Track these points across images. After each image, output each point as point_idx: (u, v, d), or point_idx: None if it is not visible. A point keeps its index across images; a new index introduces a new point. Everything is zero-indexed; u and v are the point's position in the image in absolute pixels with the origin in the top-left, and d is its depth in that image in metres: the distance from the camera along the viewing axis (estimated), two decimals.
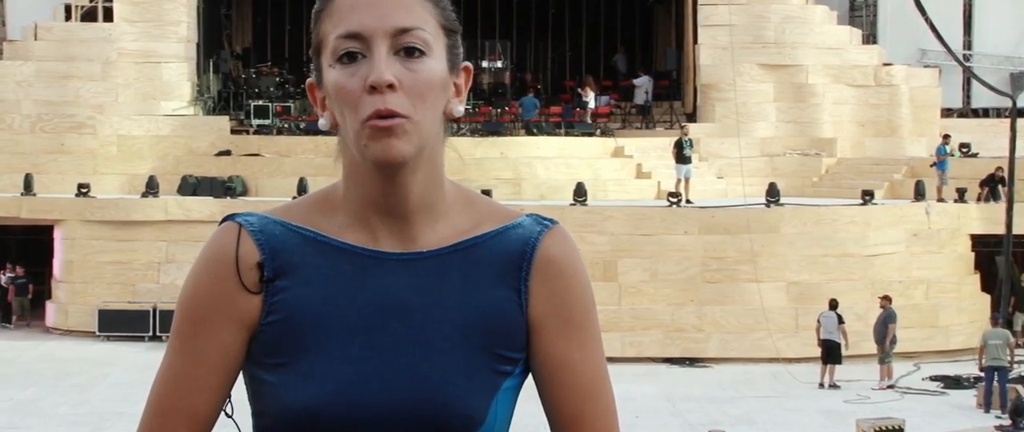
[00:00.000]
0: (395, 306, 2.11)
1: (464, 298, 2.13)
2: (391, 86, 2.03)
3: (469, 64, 2.20)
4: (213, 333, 2.13)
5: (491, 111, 36.94)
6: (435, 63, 2.08)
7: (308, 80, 2.19)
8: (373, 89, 2.02)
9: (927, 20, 33.25)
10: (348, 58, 2.05)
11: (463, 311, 2.12)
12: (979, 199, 31.70)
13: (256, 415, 2.17)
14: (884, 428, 20.73)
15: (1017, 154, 30.40)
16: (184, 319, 2.16)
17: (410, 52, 2.06)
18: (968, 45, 39.27)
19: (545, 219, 2.20)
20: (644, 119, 38.01)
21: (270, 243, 2.14)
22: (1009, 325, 27.88)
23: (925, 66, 37.70)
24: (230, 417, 2.20)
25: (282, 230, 2.15)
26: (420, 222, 2.14)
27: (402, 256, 2.13)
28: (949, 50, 32.89)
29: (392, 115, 2.03)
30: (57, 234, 31.12)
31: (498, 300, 2.14)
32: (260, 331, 2.13)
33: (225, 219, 2.21)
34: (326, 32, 2.09)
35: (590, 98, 36.83)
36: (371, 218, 2.13)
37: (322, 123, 2.16)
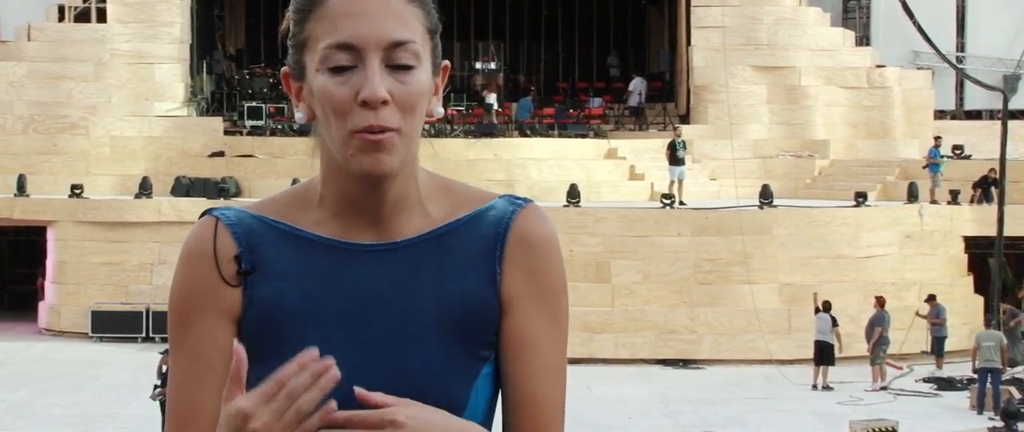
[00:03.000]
0: (373, 299, 2.12)
1: (441, 286, 2.13)
2: (384, 101, 2.03)
3: (447, 62, 2.20)
4: (202, 328, 2.14)
5: (484, 112, 36.94)
6: (423, 74, 2.08)
7: (283, 69, 2.17)
8: (366, 104, 2.02)
9: (915, 22, 33.27)
10: (338, 67, 2.05)
11: (440, 299, 2.13)
12: (972, 201, 31.72)
13: None
14: (877, 430, 20.76)
15: (1009, 156, 30.45)
16: (175, 319, 2.17)
17: (401, 65, 2.05)
18: (961, 47, 39.35)
19: (519, 198, 2.21)
20: (637, 120, 38.03)
21: (247, 236, 2.15)
22: (1010, 333, 27.88)
23: (918, 68, 37.75)
24: None
25: (259, 224, 2.16)
26: (395, 215, 2.14)
27: (377, 247, 2.14)
28: (938, 51, 32.89)
29: (384, 130, 2.03)
30: (50, 235, 31.08)
31: (474, 285, 2.14)
32: (242, 325, 2.14)
33: (203, 214, 2.21)
34: (315, 35, 2.07)
35: (493, 99, 36.73)
36: (347, 213, 2.14)
37: (299, 116, 2.15)
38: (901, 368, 26.69)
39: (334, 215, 2.15)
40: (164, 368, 19.92)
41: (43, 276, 32.00)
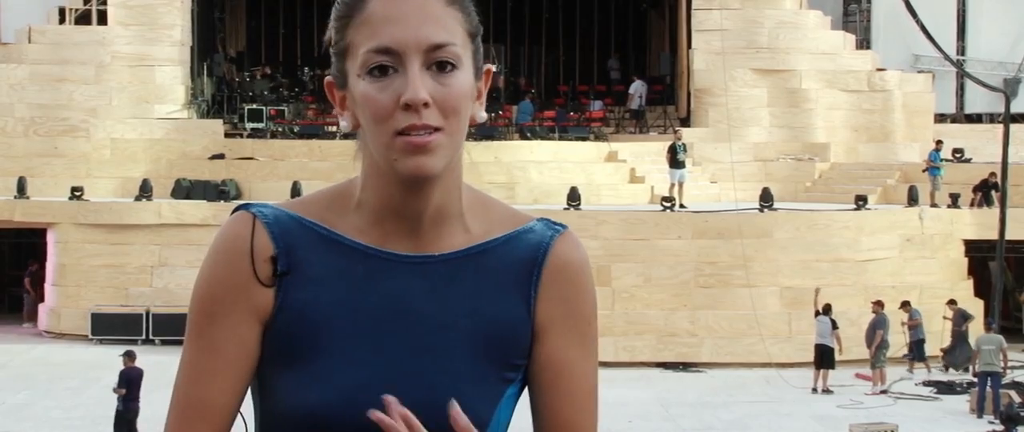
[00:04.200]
0: (405, 310, 2.11)
1: (474, 304, 2.13)
2: (426, 103, 2.02)
3: (490, 66, 2.20)
4: (229, 325, 2.12)
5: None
6: (464, 75, 2.08)
7: (327, 78, 2.17)
8: (408, 106, 2.02)
9: (918, 21, 33.24)
10: (379, 71, 2.04)
11: (473, 317, 2.12)
12: (972, 204, 31.70)
13: (261, 412, 2.16)
14: None
15: (1010, 159, 30.42)
16: (199, 312, 2.14)
17: (442, 66, 2.05)
18: (962, 51, 39.33)
19: (556, 224, 2.21)
20: (638, 123, 38.03)
21: (284, 237, 2.13)
22: (960, 336, 27.98)
23: (918, 71, 37.75)
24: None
25: (296, 225, 2.14)
26: (435, 226, 2.14)
27: (414, 259, 2.13)
28: (940, 50, 32.86)
29: (428, 130, 2.03)
30: (50, 237, 31.08)
31: (508, 306, 2.14)
32: (271, 327, 2.12)
33: (237, 208, 2.18)
34: (356, 41, 2.07)
35: None
36: (386, 221, 2.13)
37: (344, 124, 2.14)
38: (872, 378, 26.66)
39: (373, 222, 2.13)
40: (122, 368, 20.34)
41: (40, 278, 32.05)
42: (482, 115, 2.17)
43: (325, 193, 2.22)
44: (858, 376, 26.50)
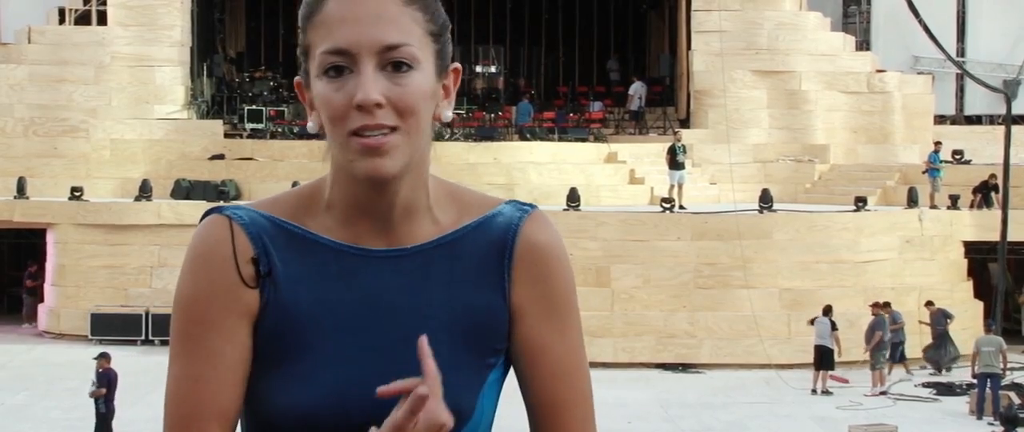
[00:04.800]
0: (383, 304, 2.12)
1: (451, 293, 2.14)
2: (378, 104, 2.02)
3: (458, 65, 2.20)
4: (226, 329, 2.11)
5: (485, 116, 36.95)
6: (422, 76, 2.07)
7: (297, 79, 2.17)
8: (360, 107, 2.02)
9: (920, 21, 33.21)
10: (335, 71, 2.05)
11: (450, 306, 2.13)
12: (972, 206, 31.70)
13: (247, 414, 2.15)
14: None
15: (1012, 161, 30.41)
16: (190, 320, 2.12)
17: (397, 66, 2.05)
18: (961, 53, 39.31)
19: (525, 204, 2.22)
20: (637, 125, 38.03)
21: (261, 238, 2.13)
22: (942, 336, 27.97)
23: (918, 73, 37.75)
24: None
25: (271, 225, 2.14)
26: (404, 220, 2.14)
27: (388, 253, 2.14)
28: (942, 49, 32.81)
29: (380, 130, 2.03)
30: (49, 238, 31.09)
31: (483, 292, 2.15)
32: (258, 328, 2.12)
33: (209, 212, 2.17)
34: (314, 42, 2.08)
35: None
36: (356, 219, 2.13)
37: (311, 125, 2.14)
38: (847, 380, 26.59)
39: (343, 221, 2.14)
40: (100, 370, 20.28)
41: (41, 278, 32.04)
42: (447, 114, 2.16)
43: (295, 193, 2.22)
44: (833, 378, 26.41)
